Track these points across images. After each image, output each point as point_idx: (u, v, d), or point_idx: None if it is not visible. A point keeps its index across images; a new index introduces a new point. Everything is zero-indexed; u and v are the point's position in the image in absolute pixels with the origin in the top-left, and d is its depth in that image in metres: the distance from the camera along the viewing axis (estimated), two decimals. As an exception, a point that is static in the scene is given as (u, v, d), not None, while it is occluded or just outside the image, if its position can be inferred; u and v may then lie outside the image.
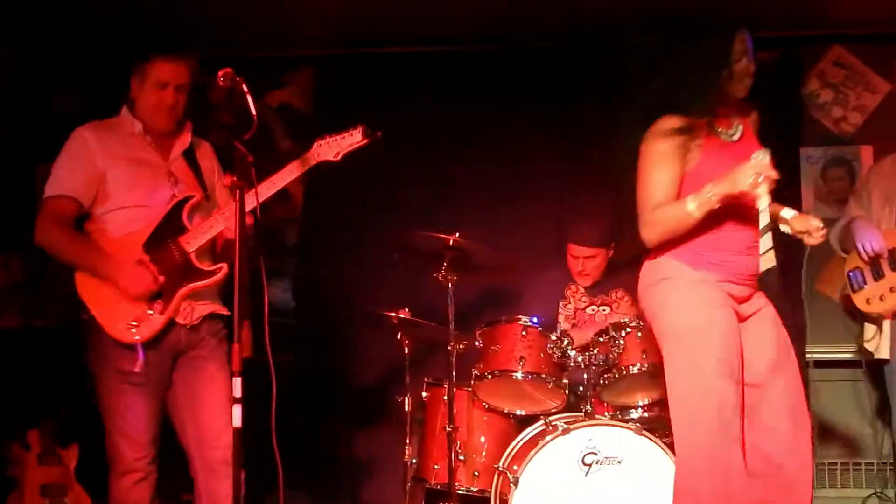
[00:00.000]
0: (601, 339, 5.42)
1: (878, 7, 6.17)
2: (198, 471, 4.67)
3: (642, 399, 5.51)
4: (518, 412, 5.57)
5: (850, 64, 6.67)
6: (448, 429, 5.31)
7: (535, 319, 5.45)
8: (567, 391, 5.43)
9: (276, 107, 6.94)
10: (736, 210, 4.27)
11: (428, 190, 6.71)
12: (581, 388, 5.42)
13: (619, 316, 5.93)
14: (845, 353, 6.28)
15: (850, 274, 5.42)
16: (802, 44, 6.74)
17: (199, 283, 4.64)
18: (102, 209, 4.65)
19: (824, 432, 6.17)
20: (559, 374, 5.40)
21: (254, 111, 4.12)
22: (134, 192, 4.63)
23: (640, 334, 5.38)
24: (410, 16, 6.29)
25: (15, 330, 6.65)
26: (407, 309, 5.64)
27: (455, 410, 5.34)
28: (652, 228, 4.30)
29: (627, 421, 5.31)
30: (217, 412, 4.61)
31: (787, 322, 4.46)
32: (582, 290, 6.05)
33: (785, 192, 4.50)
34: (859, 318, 5.56)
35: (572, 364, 5.36)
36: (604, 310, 6.00)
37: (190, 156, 4.83)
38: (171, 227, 4.63)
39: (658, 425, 5.51)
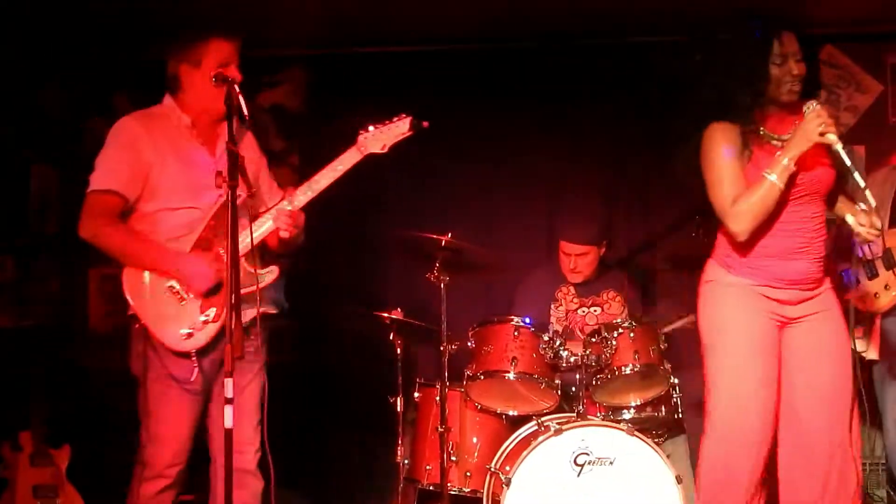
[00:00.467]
0: (593, 340, 5.42)
1: (869, 6, 6.18)
2: (217, 477, 4.48)
3: (634, 400, 5.52)
4: (510, 413, 5.57)
5: (841, 64, 6.67)
6: (440, 429, 5.31)
7: (527, 320, 5.45)
8: (559, 392, 5.43)
9: (268, 107, 6.94)
10: (782, 215, 4.34)
11: (421, 190, 6.71)
12: (573, 389, 5.42)
13: (610, 317, 5.94)
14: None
15: (843, 273, 5.39)
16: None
17: (248, 289, 4.35)
18: (149, 207, 4.46)
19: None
20: (551, 374, 5.40)
21: (246, 111, 4.12)
22: (182, 194, 4.43)
23: (632, 335, 5.38)
24: (401, 15, 6.28)
25: (6, 330, 6.63)
26: (399, 309, 5.64)
27: (447, 411, 5.35)
28: (741, 219, 4.30)
29: (619, 421, 5.32)
30: (247, 421, 4.48)
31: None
32: (573, 291, 6.05)
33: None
34: (849, 318, 5.54)
35: (564, 364, 5.36)
36: (595, 310, 6.01)
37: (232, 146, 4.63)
38: (218, 229, 4.42)
39: (650, 426, 5.53)
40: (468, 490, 5.48)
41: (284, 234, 4.53)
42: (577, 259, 5.96)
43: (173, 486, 4.48)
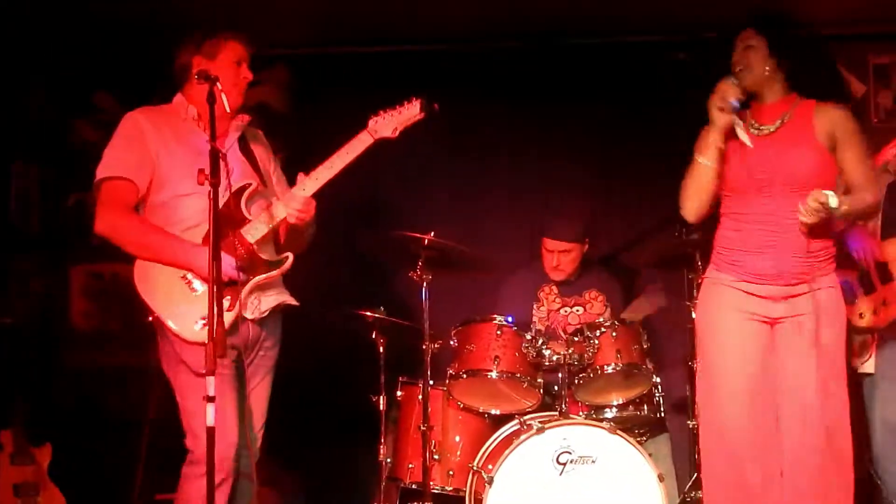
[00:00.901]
0: (576, 339, 5.43)
1: (853, 7, 6.20)
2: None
3: (617, 398, 5.53)
4: (493, 411, 5.57)
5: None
6: (423, 428, 5.31)
7: (509, 319, 5.46)
8: (542, 391, 5.44)
9: (252, 105, 6.91)
10: (750, 207, 4.37)
11: (403, 189, 6.71)
12: (556, 388, 5.43)
13: (592, 317, 5.94)
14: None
15: (843, 284, 5.29)
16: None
17: (265, 276, 4.44)
18: (160, 197, 4.41)
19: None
20: (534, 373, 5.41)
21: (228, 108, 4.11)
22: (189, 181, 4.25)
23: (614, 334, 5.40)
24: (385, 15, 6.28)
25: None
26: (382, 308, 5.64)
27: (430, 410, 5.34)
28: (681, 200, 4.50)
29: (602, 420, 5.33)
30: (256, 420, 4.47)
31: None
32: (555, 291, 6.05)
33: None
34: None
35: (547, 363, 5.37)
36: (577, 310, 6.01)
37: (243, 143, 4.64)
38: (229, 218, 4.37)
39: (632, 425, 5.54)
40: (451, 489, 5.49)
41: (292, 219, 4.49)
42: (560, 256, 5.96)
43: (227, 478, 4.31)
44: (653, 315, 5.96)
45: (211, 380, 3.81)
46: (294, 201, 4.49)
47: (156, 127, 4.45)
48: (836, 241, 4.46)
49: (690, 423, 5.56)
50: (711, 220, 4.75)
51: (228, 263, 4.22)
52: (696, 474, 5.38)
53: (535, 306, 6.05)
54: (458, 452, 5.55)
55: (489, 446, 5.41)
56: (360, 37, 6.69)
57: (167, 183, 4.40)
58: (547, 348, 5.37)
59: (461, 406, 5.55)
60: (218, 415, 4.02)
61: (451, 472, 5.50)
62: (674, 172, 4.59)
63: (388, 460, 5.69)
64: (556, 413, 5.33)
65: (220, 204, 4.22)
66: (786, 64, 4.38)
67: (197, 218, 4.36)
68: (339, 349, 6.53)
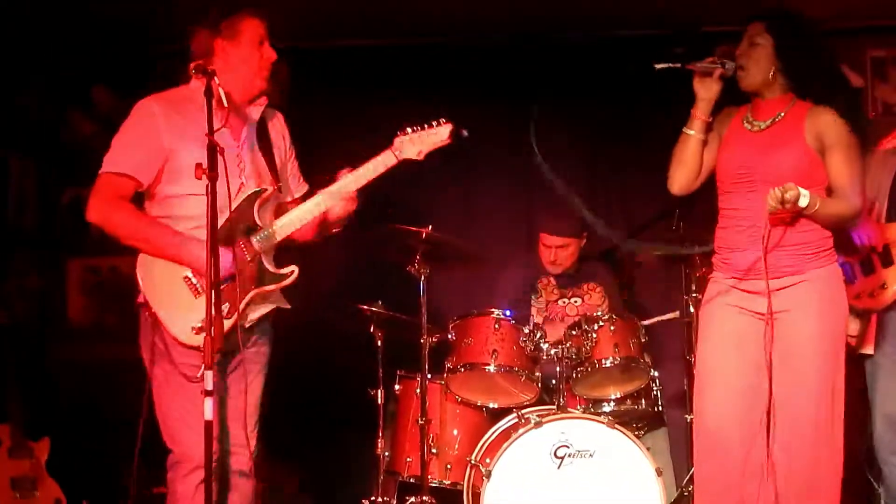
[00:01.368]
0: (574, 333, 5.44)
1: (851, 1, 6.20)
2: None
3: (614, 392, 5.53)
4: (491, 405, 5.57)
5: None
6: (421, 422, 5.32)
7: (507, 312, 5.46)
8: (539, 384, 5.44)
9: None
10: (734, 204, 4.39)
11: (401, 182, 6.69)
12: (553, 382, 5.42)
13: (590, 308, 5.94)
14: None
15: (842, 267, 5.27)
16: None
17: (269, 287, 4.29)
18: (171, 191, 4.21)
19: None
20: (532, 367, 5.41)
21: (225, 102, 4.06)
22: (200, 181, 3.94)
23: (612, 328, 5.40)
24: (378, 9, 6.27)
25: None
26: (380, 302, 5.64)
27: (428, 403, 5.35)
28: (669, 168, 4.54)
29: (600, 414, 5.33)
30: (245, 422, 4.31)
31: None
32: (553, 282, 6.06)
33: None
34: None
35: (545, 357, 5.37)
36: (575, 301, 6.01)
37: (262, 130, 4.45)
38: (239, 222, 4.21)
39: (630, 418, 5.54)
40: (449, 482, 5.49)
41: (338, 213, 4.47)
42: (558, 251, 5.97)
43: (213, 476, 4.10)
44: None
45: (209, 374, 3.77)
46: (334, 196, 4.43)
47: (170, 118, 4.21)
48: (836, 233, 4.42)
49: (688, 417, 5.55)
50: (708, 216, 4.77)
51: (226, 259, 4.10)
52: (693, 468, 5.38)
53: (533, 297, 6.06)
54: (456, 446, 5.55)
55: (487, 440, 5.41)
56: (357, 31, 6.68)
57: (179, 178, 4.19)
58: (545, 342, 5.36)
59: (459, 400, 5.55)
60: (190, 416, 4.03)
61: (448, 466, 5.50)
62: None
63: (387, 454, 5.70)
64: (554, 407, 5.33)
65: (229, 202, 4.17)
66: (790, 68, 4.36)
67: (201, 219, 4.07)
68: (337, 343, 6.53)
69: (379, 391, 5.70)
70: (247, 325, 4.31)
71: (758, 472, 4.32)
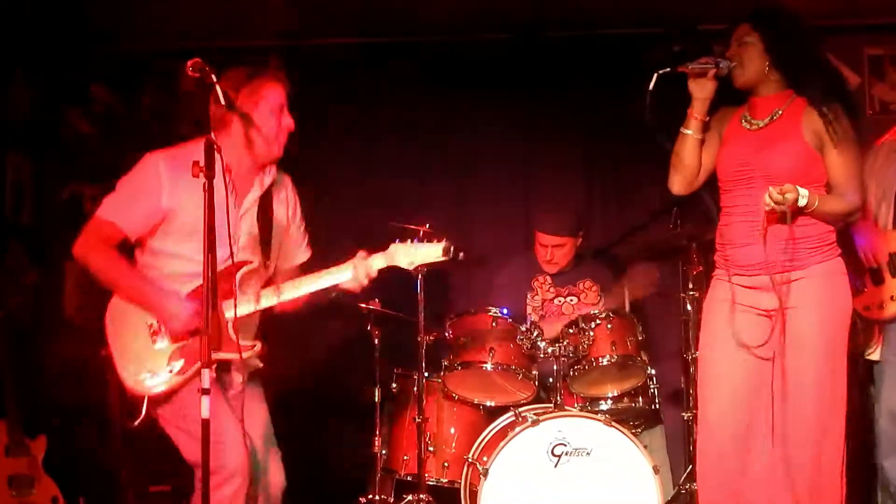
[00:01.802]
0: (571, 331, 5.44)
1: (848, -1, 6.24)
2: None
3: (612, 390, 5.54)
4: (488, 403, 5.58)
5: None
6: (418, 420, 5.32)
7: (504, 310, 5.46)
8: (536, 382, 5.44)
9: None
10: (735, 201, 4.40)
11: (397, 181, 6.70)
12: (551, 380, 5.42)
13: (586, 306, 5.95)
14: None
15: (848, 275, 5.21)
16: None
17: (225, 357, 4.23)
18: (159, 246, 4.29)
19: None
20: (529, 365, 5.41)
21: (223, 101, 4.06)
22: (191, 244, 4.15)
23: (609, 326, 5.40)
24: (373, 7, 6.27)
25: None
26: (377, 300, 5.63)
27: (425, 401, 5.36)
28: (669, 169, 4.57)
29: (597, 412, 5.34)
30: (263, 449, 4.44)
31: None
32: (549, 280, 6.06)
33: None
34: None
35: (542, 355, 5.37)
36: (571, 300, 6.01)
37: (266, 203, 4.43)
38: (219, 289, 4.08)
39: (627, 416, 5.54)
40: (446, 480, 5.50)
41: (353, 286, 4.41)
42: (554, 250, 5.97)
43: (244, 482, 4.22)
44: (642, 299, 5.96)
45: (206, 372, 3.78)
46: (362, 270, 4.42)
47: (173, 180, 4.21)
48: (837, 229, 4.40)
49: (685, 415, 5.56)
50: (705, 215, 4.77)
51: (188, 318, 4.15)
52: (690, 466, 5.39)
53: (529, 295, 6.06)
54: (453, 444, 5.56)
55: (484, 438, 5.41)
56: (351, 29, 6.67)
57: (169, 238, 4.28)
58: (542, 340, 5.36)
59: (456, 398, 5.55)
60: (221, 425, 4.05)
61: (446, 464, 5.50)
62: (668, 165, 4.59)
63: (384, 452, 5.70)
64: (551, 405, 5.33)
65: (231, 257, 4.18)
66: (780, 62, 4.37)
67: (186, 279, 4.24)
68: (334, 341, 6.53)
69: (376, 389, 5.71)
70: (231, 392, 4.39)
71: (761, 472, 4.32)
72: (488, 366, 5.36)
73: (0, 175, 6.85)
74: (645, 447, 5.18)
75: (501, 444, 5.12)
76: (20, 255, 6.82)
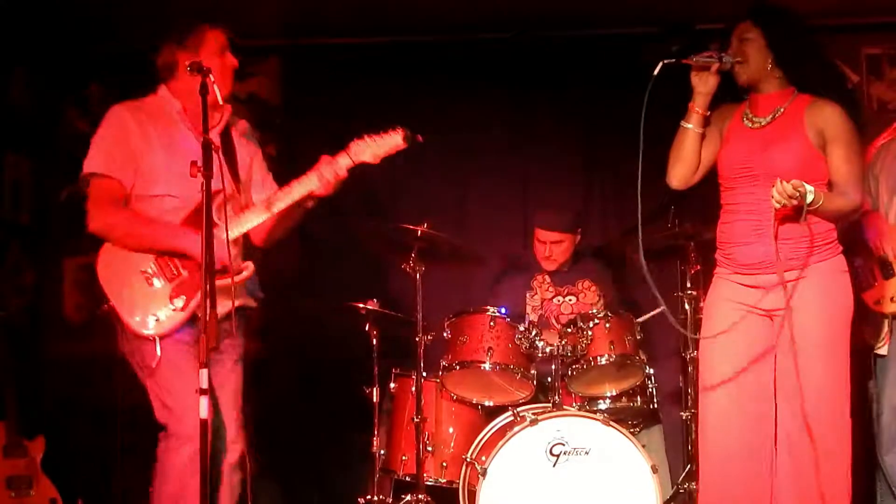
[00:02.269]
0: (569, 330, 5.43)
1: (846, -3, 6.24)
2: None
3: (610, 390, 5.54)
4: (486, 403, 5.57)
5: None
6: (416, 420, 5.32)
7: (502, 310, 5.46)
8: (535, 382, 5.43)
9: (244, 97, 6.91)
10: (737, 198, 4.40)
11: (395, 180, 6.70)
12: (549, 379, 5.42)
13: (585, 306, 5.95)
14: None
15: (859, 269, 5.21)
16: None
17: (221, 282, 4.24)
18: (137, 194, 4.47)
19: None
20: (527, 364, 5.41)
21: (220, 100, 4.10)
22: (165, 183, 4.43)
23: (608, 325, 5.40)
24: (375, 5, 6.27)
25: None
26: (375, 300, 5.63)
27: (423, 401, 5.36)
28: (668, 163, 4.57)
29: (595, 412, 5.34)
30: (227, 413, 4.49)
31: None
32: (548, 280, 6.06)
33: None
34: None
35: (540, 355, 5.37)
36: (570, 299, 6.01)
37: (226, 137, 4.62)
38: (199, 221, 4.21)
39: (625, 416, 5.54)
40: (444, 480, 5.49)
41: (324, 191, 4.56)
42: (553, 246, 5.96)
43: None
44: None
45: (204, 372, 3.82)
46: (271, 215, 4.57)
47: (139, 124, 4.48)
48: (840, 226, 4.40)
49: (684, 415, 5.56)
50: (704, 214, 4.77)
51: (223, 249, 4.21)
52: (689, 465, 5.40)
53: (528, 295, 6.06)
54: (452, 444, 5.55)
55: (483, 438, 5.41)
56: (350, 28, 6.67)
57: (146, 183, 4.46)
58: (540, 340, 5.36)
59: (454, 398, 5.55)
60: (184, 392, 4.19)
61: (444, 464, 5.50)
62: (665, 164, 4.60)
63: (382, 452, 5.69)
64: (550, 405, 5.33)
65: (194, 207, 4.35)
66: (782, 58, 4.37)
67: (167, 217, 4.44)
68: (332, 341, 6.53)
69: (374, 389, 5.70)
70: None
71: (765, 472, 4.32)
72: (486, 365, 5.36)
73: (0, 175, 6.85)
74: (643, 447, 5.18)
75: (500, 443, 5.11)
76: (19, 255, 6.82)
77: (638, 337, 5.48)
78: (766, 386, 4.34)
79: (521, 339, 5.37)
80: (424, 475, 5.37)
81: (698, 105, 4.45)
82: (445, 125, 6.70)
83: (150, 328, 4.36)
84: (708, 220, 4.79)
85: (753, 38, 4.39)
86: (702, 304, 5.03)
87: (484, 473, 5.07)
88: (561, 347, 5.34)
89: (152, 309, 4.37)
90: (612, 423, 5.15)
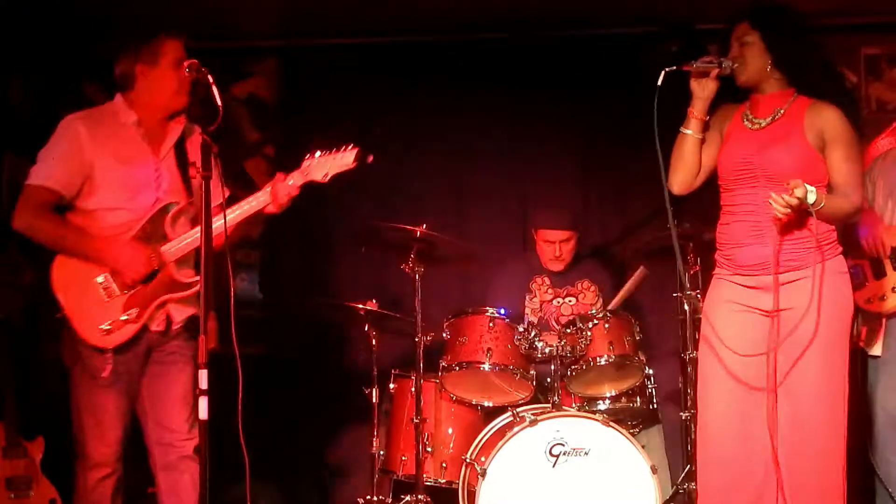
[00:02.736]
0: (568, 331, 5.43)
1: (846, -2, 6.23)
2: (158, 468, 4.68)
3: (609, 390, 5.54)
4: (485, 404, 5.58)
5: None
6: (415, 420, 5.33)
7: (502, 311, 5.46)
8: (534, 383, 5.43)
9: (243, 98, 6.91)
10: (736, 200, 4.40)
11: (394, 181, 6.70)
12: (548, 380, 5.42)
13: (584, 306, 5.94)
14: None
15: (852, 269, 5.20)
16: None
17: (174, 295, 4.56)
18: (88, 205, 4.55)
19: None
20: (526, 365, 5.41)
21: (219, 101, 4.10)
22: (119, 195, 4.53)
23: (607, 326, 5.40)
24: (371, 6, 6.26)
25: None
26: (374, 300, 5.63)
27: (422, 402, 5.36)
28: (669, 168, 4.52)
29: (594, 412, 5.34)
30: (179, 412, 4.63)
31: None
32: (548, 282, 6.05)
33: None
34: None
35: (539, 355, 5.37)
36: (569, 300, 6.01)
37: (181, 147, 4.70)
38: (152, 233, 4.54)
39: (625, 416, 5.55)
40: (444, 481, 5.50)
41: (275, 208, 4.63)
42: (561, 246, 5.95)
43: (113, 474, 4.60)
44: (636, 291, 5.94)
45: (203, 373, 3.84)
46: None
47: (93, 135, 4.54)
48: (839, 227, 4.40)
49: (683, 415, 5.56)
50: (704, 214, 4.76)
51: (140, 261, 4.46)
52: (688, 466, 5.39)
53: (527, 297, 6.05)
54: (451, 445, 5.56)
55: (482, 438, 5.41)
56: (350, 28, 6.67)
57: (98, 194, 4.53)
58: (539, 340, 5.36)
59: (454, 398, 5.55)
60: (97, 414, 4.50)
61: (444, 465, 5.50)
62: (666, 164, 4.58)
63: (381, 453, 5.70)
64: (549, 405, 5.33)
65: (147, 219, 4.53)
66: (781, 60, 4.37)
67: (119, 229, 4.52)
68: (331, 342, 6.53)
69: (373, 390, 5.70)
70: (174, 329, 4.63)
71: (762, 473, 4.32)
72: (486, 366, 5.36)
73: (-1, 175, 6.85)
74: (643, 447, 5.19)
75: (499, 444, 5.11)
76: (17, 256, 6.81)
77: (637, 337, 5.48)
78: (765, 386, 4.33)
79: (520, 339, 5.37)
80: (424, 475, 5.38)
81: (697, 110, 4.45)
82: (445, 125, 6.71)
83: (105, 339, 4.47)
84: (708, 221, 4.77)
85: (752, 40, 4.38)
86: (701, 305, 5.01)
87: (483, 474, 5.07)
88: (560, 348, 5.34)
89: (106, 320, 4.47)
90: (611, 423, 5.15)
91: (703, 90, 4.42)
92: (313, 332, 6.52)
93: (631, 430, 5.34)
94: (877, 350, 5.13)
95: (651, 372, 5.58)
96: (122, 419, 4.58)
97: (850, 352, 4.39)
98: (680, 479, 5.56)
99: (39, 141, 6.79)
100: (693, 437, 5.20)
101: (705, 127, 4.48)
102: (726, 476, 4.36)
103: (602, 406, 5.51)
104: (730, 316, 4.39)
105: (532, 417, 5.14)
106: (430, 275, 5.38)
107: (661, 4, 6.32)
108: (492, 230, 6.64)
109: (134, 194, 4.53)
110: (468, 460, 5.31)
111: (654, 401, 5.65)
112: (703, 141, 4.48)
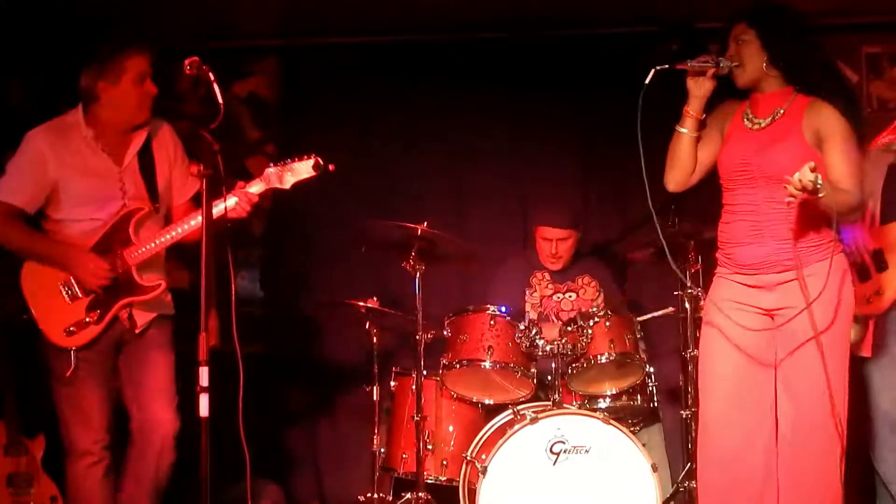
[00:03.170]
0: (569, 329, 5.43)
1: (847, -4, 6.24)
2: (132, 456, 4.81)
3: (610, 388, 5.54)
4: (486, 401, 5.58)
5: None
6: (416, 418, 5.32)
7: (503, 309, 5.46)
8: (535, 380, 5.44)
9: (244, 96, 6.91)
10: (735, 199, 4.40)
11: (394, 181, 6.70)
12: (549, 378, 5.42)
13: (585, 302, 5.94)
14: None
15: None
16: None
17: (136, 298, 4.73)
18: (56, 215, 4.73)
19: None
20: (527, 363, 5.41)
21: (220, 99, 4.10)
22: (86, 207, 4.69)
23: (608, 323, 5.40)
24: (372, 5, 6.27)
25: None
26: (375, 298, 5.64)
27: (423, 400, 5.35)
28: (665, 166, 4.56)
29: (595, 410, 5.34)
30: (161, 395, 4.78)
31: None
32: (548, 277, 6.05)
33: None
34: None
35: (540, 353, 5.37)
36: (570, 296, 6.00)
37: (145, 153, 4.83)
38: (117, 238, 4.70)
39: (626, 414, 5.55)
40: (444, 479, 5.50)
41: (238, 213, 4.73)
42: (559, 244, 5.95)
43: (100, 461, 4.76)
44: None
45: (204, 371, 3.86)
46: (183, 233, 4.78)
47: (56, 151, 4.68)
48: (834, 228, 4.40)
49: (684, 413, 5.56)
50: (704, 213, 4.76)
51: (102, 269, 4.62)
52: (689, 464, 5.40)
53: (527, 292, 6.05)
54: (452, 442, 5.56)
55: (483, 436, 5.41)
56: (350, 27, 6.67)
57: (63, 206, 4.70)
58: (541, 338, 5.36)
59: (455, 396, 5.55)
60: (81, 405, 4.70)
61: (444, 462, 5.51)
62: (664, 163, 4.60)
63: (382, 450, 5.70)
64: (550, 403, 5.33)
65: (111, 224, 4.71)
66: (779, 59, 4.36)
67: (86, 238, 4.70)
68: (331, 340, 6.53)
69: (374, 387, 5.72)
70: (137, 331, 4.78)
71: (762, 472, 4.32)
72: (487, 364, 5.36)
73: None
74: (643, 445, 5.18)
75: (500, 442, 5.11)
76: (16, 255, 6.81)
77: (638, 335, 5.49)
78: (765, 385, 4.34)
79: (521, 337, 5.37)
80: (424, 473, 5.37)
81: (693, 109, 4.45)
82: (445, 125, 6.71)
83: (68, 340, 4.65)
84: (708, 220, 4.78)
85: (748, 38, 4.38)
86: (702, 304, 5.02)
87: (484, 472, 5.07)
88: (561, 346, 5.34)
89: (69, 321, 4.64)
90: (612, 421, 5.15)
91: (699, 89, 4.42)
92: (314, 330, 6.52)
93: (631, 429, 5.34)
94: (866, 352, 5.14)
95: (651, 370, 5.58)
96: (102, 407, 4.73)
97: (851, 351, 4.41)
98: (680, 478, 5.57)
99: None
100: (693, 435, 5.21)
101: (701, 125, 4.49)
102: (727, 476, 4.37)
103: (603, 404, 5.51)
104: (731, 314, 4.39)
105: (533, 415, 5.14)
106: (430, 273, 5.38)
107: (661, 4, 6.32)
108: (492, 230, 6.63)
109: (100, 205, 4.70)
110: (469, 458, 5.31)
111: (655, 399, 5.66)
112: (698, 139, 4.49)
